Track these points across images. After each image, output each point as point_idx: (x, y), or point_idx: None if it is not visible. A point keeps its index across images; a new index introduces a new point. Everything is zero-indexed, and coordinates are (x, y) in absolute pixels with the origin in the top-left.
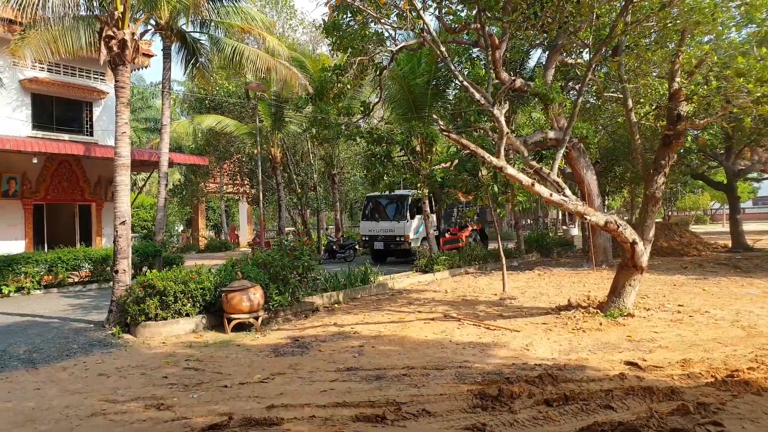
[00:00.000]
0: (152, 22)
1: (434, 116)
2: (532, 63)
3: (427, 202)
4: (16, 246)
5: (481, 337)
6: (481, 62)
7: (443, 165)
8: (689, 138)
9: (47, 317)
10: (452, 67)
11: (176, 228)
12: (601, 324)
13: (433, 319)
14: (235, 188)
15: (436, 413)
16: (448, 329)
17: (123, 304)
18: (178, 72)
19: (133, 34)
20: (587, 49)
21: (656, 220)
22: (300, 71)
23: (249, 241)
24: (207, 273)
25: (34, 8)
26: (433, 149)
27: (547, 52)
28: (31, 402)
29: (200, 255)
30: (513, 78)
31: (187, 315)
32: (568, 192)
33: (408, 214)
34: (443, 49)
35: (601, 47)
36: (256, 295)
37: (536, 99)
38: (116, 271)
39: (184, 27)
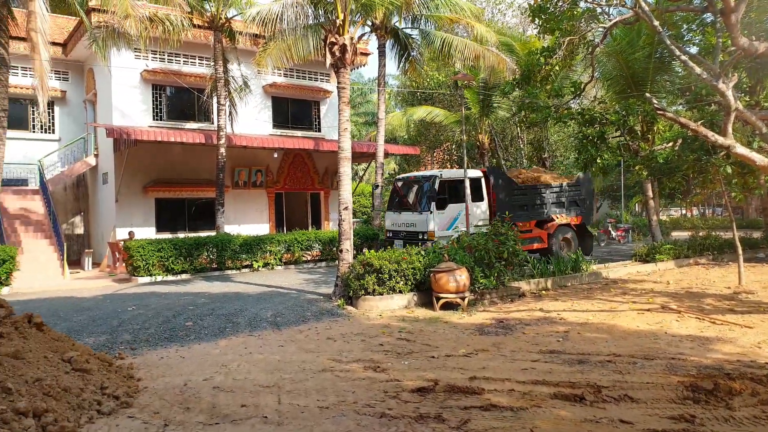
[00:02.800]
0: (368, 23)
1: (647, 95)
2: None
3: (466, 183)
4: (262, 228)
5: (703, 331)
6: (716, 28)
7: (666, 145)
8: None
9: (287, 289)
10: (667, 42)
11: None
12: None
13: (648, 310)
14: None
15: (639, 400)
16: (664, 321)
17: (346, 280)
18: (392, 67)
19: (351, 38)
20: None
21: None
22: (508, 55)
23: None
24: (417, 254)
25: (274, 22)
26: (655, 128)
27: None
28: (276, 356)
29: None
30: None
31: (400, 292)
32: None
33: (432, 202)
34: (657, 23)
35: None
36: (462, 276)
37: None
38: (340, 251)
39: (396, 24)
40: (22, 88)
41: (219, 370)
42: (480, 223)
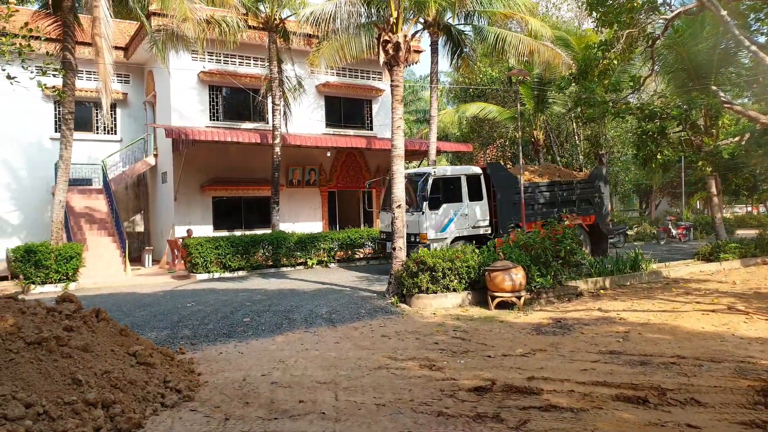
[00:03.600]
0: (421, 20)
1: (713, 87)
2: None
3: (464, 182)
4: (316, 226)
5: None
6: None
7: (732, 140)
8: None
9: (340, 286)
10: (735, 31)
11: None
12: None
13: (713, 311)
14: None
15: (706, 404)
16: (731, 322)
17: (399, 278)
18: (444, 64)
19: (405, 36)
20: None
21: None
22: (564, 50)
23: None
24: (471, 252)
25: (327, 22)
26: (719, 122)
27: None
28: (332, 352)
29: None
30: None
31: (454, 290)
32: None
33: (425, 202)
34: (724, 12)
35: None
36: (518, 275)
37: None
38: (393, 248)
39: (449, 21)
40: (86, 91)
41: (276, 365)
42: (478, 225)
